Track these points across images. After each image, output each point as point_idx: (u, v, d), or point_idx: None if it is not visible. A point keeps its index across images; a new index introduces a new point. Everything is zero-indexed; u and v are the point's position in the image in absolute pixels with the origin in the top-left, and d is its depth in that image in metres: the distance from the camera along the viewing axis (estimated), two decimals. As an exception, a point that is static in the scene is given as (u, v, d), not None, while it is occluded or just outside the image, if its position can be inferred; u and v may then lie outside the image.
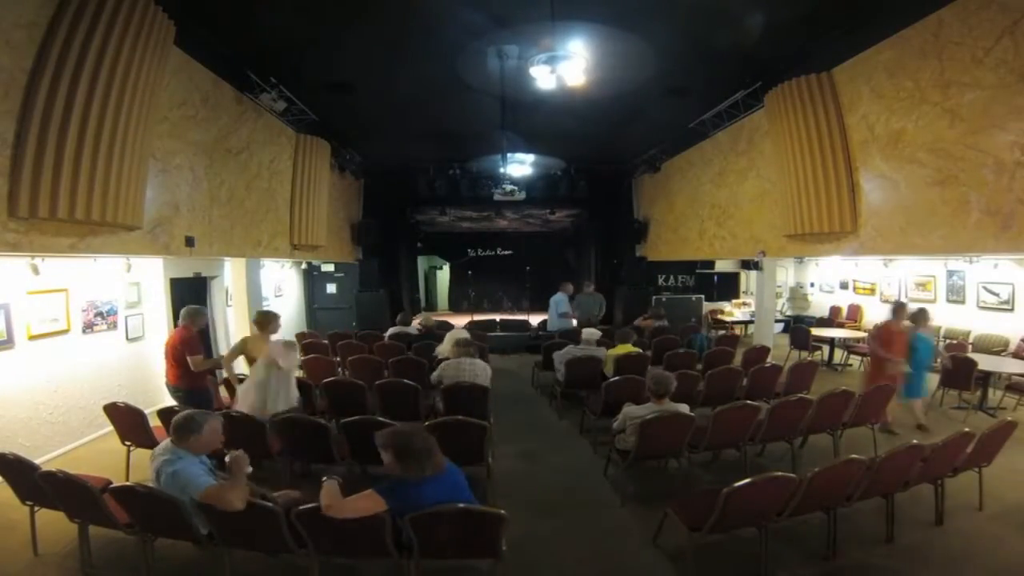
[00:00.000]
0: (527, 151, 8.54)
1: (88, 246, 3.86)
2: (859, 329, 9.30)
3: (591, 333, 6.19)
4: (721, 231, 8.37)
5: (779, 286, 11.26)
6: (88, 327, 5.20)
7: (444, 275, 17.19)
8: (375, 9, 4.54)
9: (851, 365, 8.21)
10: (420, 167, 10.33)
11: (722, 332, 9.95)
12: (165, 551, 2.88)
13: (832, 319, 10.23)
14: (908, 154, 4.64)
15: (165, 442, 2.68)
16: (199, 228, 5.24)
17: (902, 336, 5.17)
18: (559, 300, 8.83)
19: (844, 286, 10.77)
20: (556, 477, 4.35)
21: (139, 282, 5.90)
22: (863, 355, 7.95)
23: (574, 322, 8.50)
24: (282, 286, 9.66)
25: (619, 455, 3.94)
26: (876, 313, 9.72)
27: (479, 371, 4.84)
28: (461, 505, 2.35)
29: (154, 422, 4.06)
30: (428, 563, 2.50)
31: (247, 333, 7.01)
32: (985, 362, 5.77)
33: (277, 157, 7.02)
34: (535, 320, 10.11)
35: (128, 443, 4.15)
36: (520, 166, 8.65)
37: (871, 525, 3.33)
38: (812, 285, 11.94)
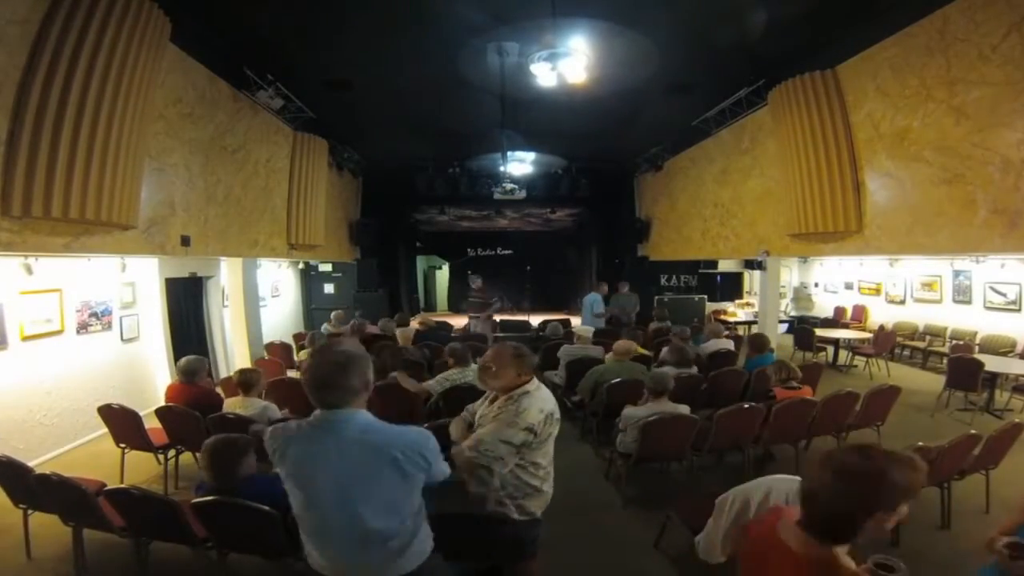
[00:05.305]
0: (527, 149, 8.48)
1: (83, 246, 3.82)
2: (864, 330, 9.22)
3: (584, 330, 6.11)
4: (724, 230, 8.31)
5: (783, 286, 11.19)
6: (82, 328, 5.14)
7: (443, 275, 17.13)
8: (374, 5, 4.49)
9: (856, 366, 8.13)
10: (419, 165, 10.25)
11: (725, 333, 9.87)
12: (160, 554, 2.83)
13: (837, 320, 10.15)
14: (914, 152, 4.59)
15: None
16: (195, 227, 5.19)
17: None
18: (594, 300, 8.63)
19: (849, 286, 10.69)
20: (556, 479, 4.26)
21: (134, 282, 5.85)
22: (868, 356, 7.90)
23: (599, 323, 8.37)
24: (279, 286, 9.60)
25: (620, 457, 3.88)
26: (881, 313, 9.67)
27: (470, 373, 4.79)
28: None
29: (149, 424, 4.01)
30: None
31: (243, 334, 6.98)
32: (992, 363, 5.69)
33: (274, 155, 6.97)
34: (535, 320, 10.03)
35: (123, 445, 4.09)
36: (520, 164, 8.60)
37: (877, 529, 3.28)
38: (816, 285, 11.87)
